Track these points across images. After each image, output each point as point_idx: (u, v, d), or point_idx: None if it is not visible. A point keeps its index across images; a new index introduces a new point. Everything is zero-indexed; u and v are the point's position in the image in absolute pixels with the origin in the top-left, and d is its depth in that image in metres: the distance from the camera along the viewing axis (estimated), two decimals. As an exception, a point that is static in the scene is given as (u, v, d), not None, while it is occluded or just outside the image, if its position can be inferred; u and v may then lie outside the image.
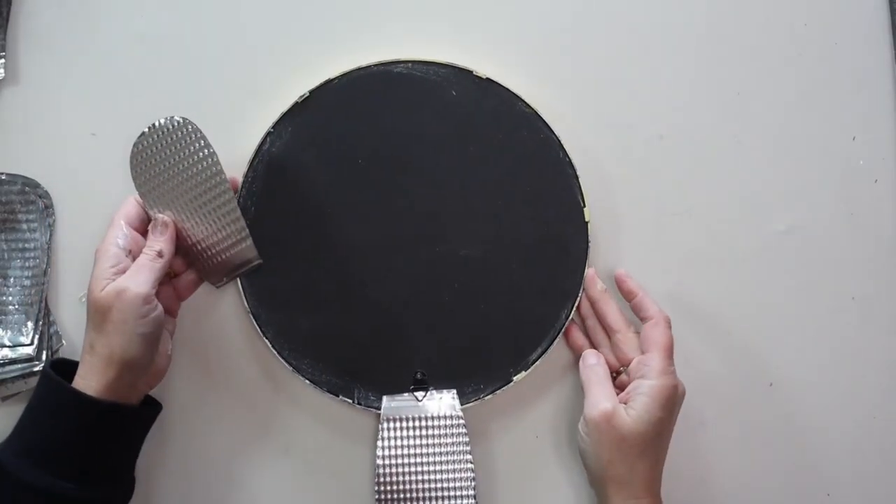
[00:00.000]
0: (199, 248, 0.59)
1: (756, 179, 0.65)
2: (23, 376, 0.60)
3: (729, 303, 0.64)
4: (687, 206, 0.64)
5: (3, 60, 0.62)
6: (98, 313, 0.53)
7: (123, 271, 0.54)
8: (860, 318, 0.65)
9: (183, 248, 0.59)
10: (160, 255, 0.56)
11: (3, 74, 0.62)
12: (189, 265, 0.60)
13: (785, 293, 0.65)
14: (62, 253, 0.62)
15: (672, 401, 0.56)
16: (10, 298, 0.61)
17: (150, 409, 0.57)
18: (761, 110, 0.65)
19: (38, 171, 0.62)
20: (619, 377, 0.60)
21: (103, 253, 0.55)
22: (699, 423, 0.64)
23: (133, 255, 0.56)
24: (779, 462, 0.64)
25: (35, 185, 0.62)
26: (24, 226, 0.62)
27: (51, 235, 0.62)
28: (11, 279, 0.61)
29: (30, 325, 0.61)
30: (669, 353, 0.57)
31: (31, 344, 0.61)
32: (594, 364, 0.59)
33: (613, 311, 0.61)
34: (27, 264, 0.61)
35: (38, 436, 0.53)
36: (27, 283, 0.61)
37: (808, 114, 0.65)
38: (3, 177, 0.62)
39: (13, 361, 0.60)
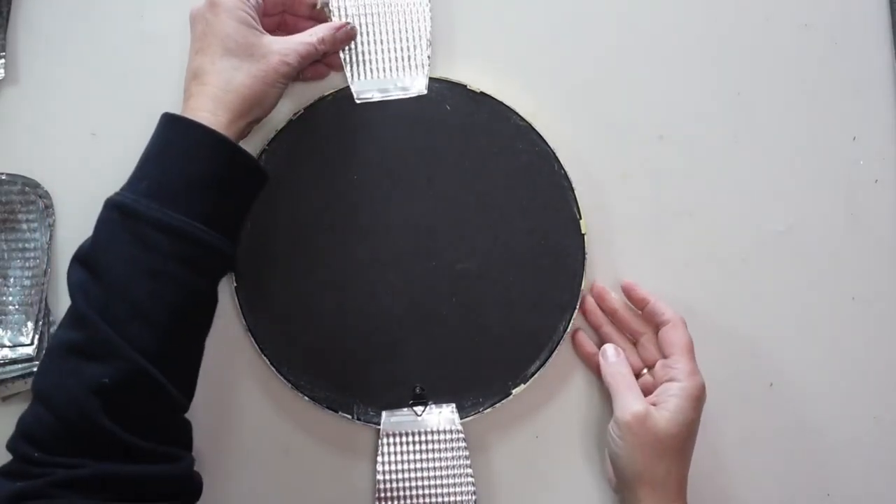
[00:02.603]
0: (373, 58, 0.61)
1: (756, 179, 0.65)
2: (23, 376, 0.60)
3: (729, 303, 0.64)
4: (687, 206, 0.64)
5: (3, 60, 0.62)
6: (241, 47, 0.54)
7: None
8: (860, 318, 0.65)
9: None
10: (322, 42, 0.57)
11: (3, 74, 0.62)
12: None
13: (785, 293, 0.64)
14: (62, 253, 0.62)
15: (701, 401, 0.57)
16: (10, 298, 0.61)
17: (263, 172, 0.56)
18: (761, 110, 0.65)
19: (38, 171, 0.62)
20: (641, 378, 0.60)
21: None
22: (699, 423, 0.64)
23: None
24: (779, 462, 0.64)
25: (35, 185, 0.62)
26: (24, 226, 0.62)
27: (51, 235, 0.62)
28: (11, 279, 0.61)
29: (30, 325, 0.61)
30: (692, 353, 0.58)
31: (31, 344, 0.61)
32: (615, 362, 0.59)
33: (635, 316, 0.62)
34: (27, 264, 0.61)
35: (166, 177, 0.51)
36: (27, 283, 0.61)
37: (808, 114, 0.65)
38: (3, 177, 0.62)
39: (13, 361, 0.60)
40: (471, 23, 0.64)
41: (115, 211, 0.50)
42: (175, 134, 0.52)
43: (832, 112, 0.65)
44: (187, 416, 0.53)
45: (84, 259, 0.50)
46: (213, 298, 0.54)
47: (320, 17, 0.61)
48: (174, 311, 0.50)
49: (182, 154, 0.51)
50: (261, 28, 0.55)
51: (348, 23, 0.60)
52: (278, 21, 0.61)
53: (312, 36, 0.57)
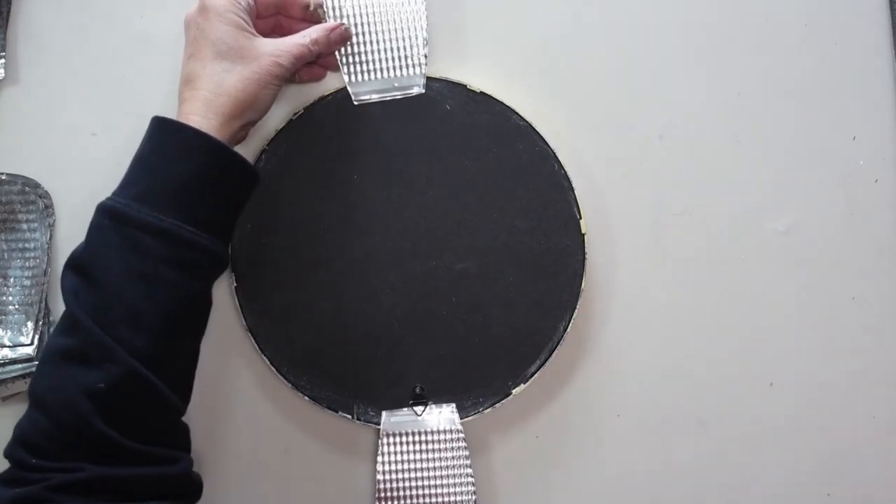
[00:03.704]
0: (368, 56, 0.61)
1: (756, 179, 0.65)
2: (23, 376, 0.60)
3: (729, 303, 0.64)
4: (687, 206, 0.64)
5: (3, 60, 0.62)
6: (231, 49, 0.54)
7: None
8: (860, 318, 0.65)
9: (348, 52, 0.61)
10: (315, 43, 0.57)
11: (3, 74, 0.62)
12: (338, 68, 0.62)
13: (785, 293, 0.64)
14: (62, 253, 0.62)
15: None
16: (10, 298, 0.61)
17: (255, 173, 0.56)
18: (761, 110, 0.65)
19: (38, 171, 0.62)
20: None
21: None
22: (699, 423, 0.64)
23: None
24: (779, 462, 0.64)
25: (35, 185, 0.62)
26: (24, 226, 0.62)
27: (51, 235, 0.62)
28: (11, 279, 0.61)
29: (30, 325, 0.61)
30: None
31: (31, 344, 0.61)
32: None
33: None
34: (27, 264, 0.61)
35: (157, 180, 0.51)
36: (27, 283, 0.61)
37: (808, 114, 0.65)
38: (3, 177, 0.62)
39: (13, 361, 0.60)
40: (470, 22, 0.64)
41: (106, 216, 0.50)
42: (164, 137, 0.52)
43: (832, 112, 0.65)
44: (187, 416, 0.53)
45: (77, 265, 0.50)
46: (207, 301, 0.54)
47: (314, 18, 0.61)
48: (168, 315, 0.50)
49: (171, 157, 0.51)
50: (253, 31, 0.55)
51: (342, 24, 0.60)
52: (273, 23, 0.61)
53: (305, 37, 0.57)
